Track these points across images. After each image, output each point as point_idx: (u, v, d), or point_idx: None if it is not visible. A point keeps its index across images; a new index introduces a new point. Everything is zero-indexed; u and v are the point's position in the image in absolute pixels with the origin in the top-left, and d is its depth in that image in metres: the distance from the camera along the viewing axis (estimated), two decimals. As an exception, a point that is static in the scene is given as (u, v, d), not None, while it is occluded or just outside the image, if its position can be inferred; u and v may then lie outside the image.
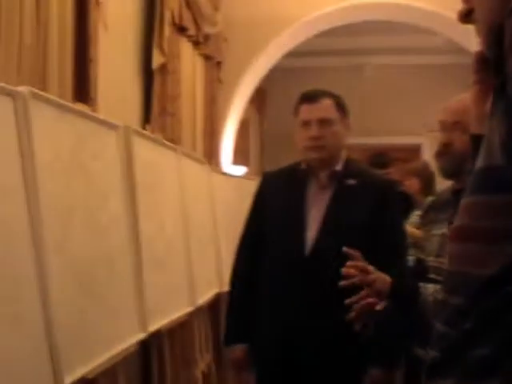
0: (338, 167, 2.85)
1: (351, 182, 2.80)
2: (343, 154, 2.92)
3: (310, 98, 2.84)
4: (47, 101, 2.36)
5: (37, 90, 2.29)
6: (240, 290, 3.12)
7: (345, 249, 2.18)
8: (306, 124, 2.82)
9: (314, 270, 2.75)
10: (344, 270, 2.13)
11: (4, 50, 2.49)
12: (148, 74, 4.56)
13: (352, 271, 2.13)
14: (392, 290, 2.14)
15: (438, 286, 2.09)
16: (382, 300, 2.14)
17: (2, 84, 2.12)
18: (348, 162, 2.90)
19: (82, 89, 3.27)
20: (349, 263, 2.15)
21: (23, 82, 2.58)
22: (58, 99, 2.46)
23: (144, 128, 4.15)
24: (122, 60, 4.16)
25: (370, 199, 2.78)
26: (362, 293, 2.15)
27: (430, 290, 2.13)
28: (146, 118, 4.51)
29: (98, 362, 2.47)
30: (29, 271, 2.13)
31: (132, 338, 2.90)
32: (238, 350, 3.06)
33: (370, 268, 2.16)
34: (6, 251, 2.04)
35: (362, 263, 2.17)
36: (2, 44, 2.47)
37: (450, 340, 1.02)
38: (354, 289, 2.17)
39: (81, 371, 2.35)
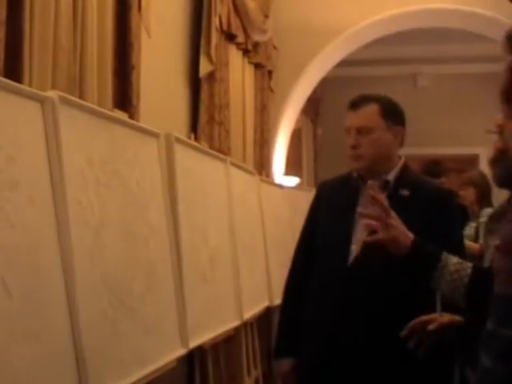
0: (390, 176, 2.66)
1: (404, 192, 2.62)
2: (397, 163, 2.72)
3: (353, 104, 2.69)
4: (78, 106, 2.24)
5: (67, 95, 2.18)
6: (290, 303, 2.96)
7: None
8: (348, 132, 2.68)
9: (355, 285, 2.58)
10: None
11: (38, 52, 2.38)
12: (195, 82, 4.44)
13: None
14: None
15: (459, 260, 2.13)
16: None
17: (30, 88, 2.01)
18: (403, 171, 2.71)
19: (123, 96, 3.16)
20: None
21: (58, 86, 2.47)
22: (89, 105, 2.34)
23: (189, 137, 4.01)
24: (168, 67, 4.04)
25: (424, 210, 2.58)
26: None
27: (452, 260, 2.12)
28: (193, 127, 4.39)
29: (130, 380, 2.33)
30: (56, 283, 2.01)
31: (171, 355, 2.75)
32: (284, 364, 2.90)
33: None
34: (33, 263, 1.92)
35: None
36: (36, 46, 2.36)
37: (500, 378, 0.83)
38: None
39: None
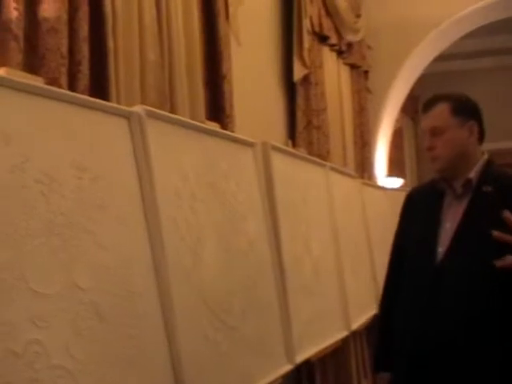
0: (472, 174, 2.47)
1: (487, 188, 2.41)
2: (479, 159, 2.51)
3: (425, 106, 2.56)
4: (166, 120, 2.13)
5: (153, 109, 2.07)
6: (386, 312, 2.78)
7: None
8: (423, 134, 2.54)
9: (441, 287, 2.41)
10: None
11: (124, 68, 2.30)
12: (290, 87, 4.31)
13: None
14: None
15: None
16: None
17: (115, 105, 1.91)
18: (486, 167, 2.50)
19: (216, 106, 3.06)
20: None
21: (148, 101, 2.39)
22: (178, 117, 2.24)
23: (286, 144, 3.88)
24: (261, 74, 3.92)
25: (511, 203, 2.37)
26: None
27: None
28: (291, 133, 4.25)
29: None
30: (152, 306, 1.90)
31: (278, 371, 2.61)
32: (381, 380, 2.72)
33: None
34: (126, 285, 1.81)
35: None
36: (121, 62, 2.28)
37: None
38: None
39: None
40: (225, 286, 2.33)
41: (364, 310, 4.03)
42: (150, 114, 2.04)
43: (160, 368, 1.88)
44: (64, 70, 2.00)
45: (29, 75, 1.65)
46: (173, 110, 2.59)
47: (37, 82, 1.62)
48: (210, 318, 2.19)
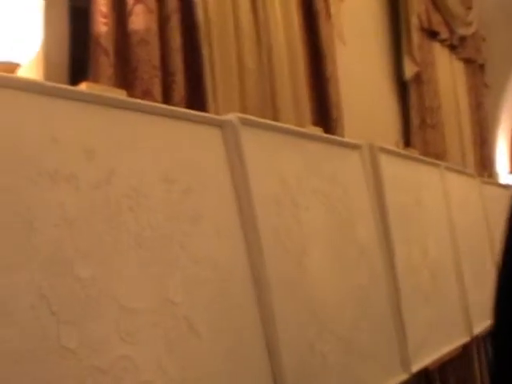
0: None
1: None
2: None
3: None
4: (261, 126, 2.04)
5: (247, 116, 1.98)
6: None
7: None
8: None
9: None
10: None
11: (221, 77, 2.22)
12: (401, 86, 4.13)
13: None
14: None
15: None
16: None
17: (207, 114, 1.84)
18: None
19: (322, 110, 2.94)
20: None
21: (248, 109, 2.31)
22: (274, 123, 2.14)
23: (398, 144, 3.70)
24: (369, 74, 3.77)
25: None
26: None
27: None
28: (405, 134, 4.08)
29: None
30: (251, 320, 1.80)
31: (391, 381, 2.46)
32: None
33: None
34: (223, 300, 1.72)
35: None
36: (218, 71, 2.21)
37: None
38: None
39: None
40: (335, 297, 2.20)
41: (487, 313, 3.77)
42: (245, 122, 1.95)
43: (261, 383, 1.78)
44: (157, 81, 1.95)
45: (112, 88, 1.60)
46: (276, 117, 2.50)
47: (120, 95, 1.56)
48: (319, 329, 2.07)
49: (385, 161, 2.84)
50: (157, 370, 1.46)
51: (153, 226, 1.56)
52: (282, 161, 2.11)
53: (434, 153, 4.27)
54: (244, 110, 2.28)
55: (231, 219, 1.82)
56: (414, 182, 3.18)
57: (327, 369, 2.08)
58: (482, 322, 3.61)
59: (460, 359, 3.45)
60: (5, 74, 1.39)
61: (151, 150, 1.61)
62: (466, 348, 3.38)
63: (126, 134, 1.56)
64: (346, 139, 2.57)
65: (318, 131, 2.41)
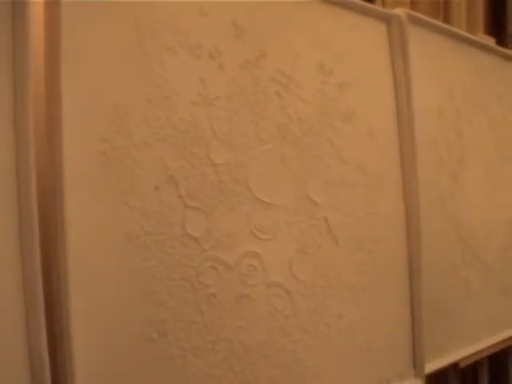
0: None
1: None
2: None
3: None
4: (431, 27, 1.73)
5: (416, 13, 1.68)
6: None
7: None
8: None
9: None
10: None
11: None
12: None
13: None
14: None
15: None
16: None
17: (372, 6, 1.56)
18: None
19: (497, 23, 2.55)
20: None
21: (417, 8, 2.00)
22: (446, 26, 1.81)
23: None
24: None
25: None
26: None
27: None
28: None
29: (478, 346, 1.83)
30: (397, 228, 1.56)
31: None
32: None
33: None
34: (366, 203, 1.49)
35: None
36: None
37: None
38: None
39: (455, 356, 1.73)
40: (485, 219, 1.91)
41: None
42: (413, 20, 1.66)
43: (395, 300, 1.55)
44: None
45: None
46: (446, 22, 2.17)
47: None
48: (465, 253, 1.80)
49: None
50: (286, 272, 1.27)
51: (302, 118, 1.33)
52: (449, 69, 1.80)
53: None
54: (413, 7, 1.97)
55: (387, 122, 1.57)
56: None
57: (470, 296, 1.82)
58: None
59: None
60: None
61: (308, 35, 1.38)
62: None
63: (281, 14, 1.32)
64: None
65: (490, 41, 2.06)
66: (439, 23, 1.77)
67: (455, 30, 1.82)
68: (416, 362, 1.58)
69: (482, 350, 1.84)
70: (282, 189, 1.28)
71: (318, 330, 1.32)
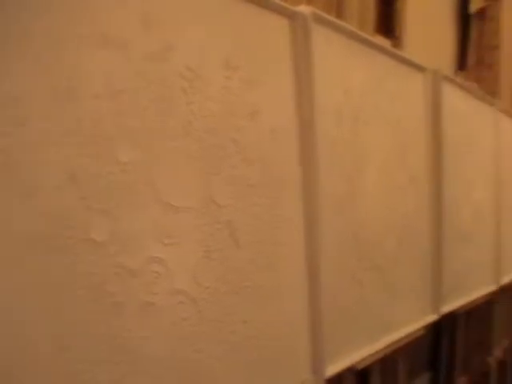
0: None
1: None
2: None
3: None
4: (335, 27, 1.77)
5: (322, 13, 1.71)
6: None
7: None
8: None
9: None
10: None
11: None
12: (463, 19, 3.80)
13: None
14: None
15: None
16: None
17: (277, 1, 1.56)
18: None
19: (386, 24, 2.65)
20: None
21: (314, 3, 2.03)
22: (349, 27, 1.85)
23: (456, 76, 3.41)
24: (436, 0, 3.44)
25: None
26: None
27: None
28: (460, 67, 3.77)
29: (373, 348, 1.90)
30: (296, 231, 1.58)
31: (420, 321, 2.27)
32: None
33: None
34: (270, 205, 1.49)
35: None
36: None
37: None
38: None
39: (353, 358, 1.79)
40: (379, 221, 1.98)
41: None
42: (317, 19, 1.68)
43: (296, 303, 1.58)
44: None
45: None
46: (339, 19, 2.23)
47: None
48: (360, 255, 1.86)
49: (447, 90, 2.57)
50: (191, 279, 1.25)
51: (206, 116, 1.32)
52: (348, 68, 1.85)
53: (487, 93, 3.97)
54: (310, 3, 2.00)
55: (289, 121, 1.58)
56: (470, 118, 2.91)
57: (363, 298, 1.88)
58: (510, 273, 3.42)
59: (483, 306, 3.25)
60: None
61: (214, 29, 1.36)
62: (492, 296, 3.17)
63: (188, 6, 1.30)
64: (413, 59, 2.28)
65: (386, 44, 2.13)
66: (342, 23, 1.81)
67: (356, 30, 1.86)
68: (316, 367, 1.60)
69: (377, 352, 1.91)
70: (187, 190, 1.26)
71: (223, 338, 1.32)
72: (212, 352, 1.29)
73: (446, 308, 2.49)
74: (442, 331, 2.91)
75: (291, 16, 1.60)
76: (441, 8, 3.60)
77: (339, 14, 2.28)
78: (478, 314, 3.29)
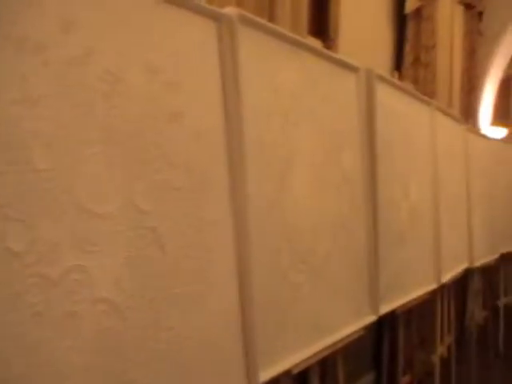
0: None
1: None
2: None
3: None
4: (262, 28, 1.78)
5: (248, 14, 1.72)
6: None
7: None
8: None
9: None
10: None
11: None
12: (400, 19, 3.87)
13: None
14: None
15: None
16: None
17: (202, 3, 1.57)
18: None
19: (320, 25, 2.68)
20: None
21: (245, 5, 2.06)
22: (276, 28, 1.87)
23: (392, 76, 3.47)
24: (371, 1, 3.49)
25: None
26: None
27: None
28: (397, 67, 3.84)
29: (310, 351, 1.92)
30: (224, 235, 1.58)
31: (359, 322, 2.30)
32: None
33: None
34: (194, 212, 1.49)
35: None
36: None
37: None
38: None
39: (288, 362, 1.80)
40: (312, 222, 2.00)
41: (456, 263, 3.65)
42: (244, 20, 1.69)
43: (227, 308, 1.57)
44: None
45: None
46: (271, 21, 2.25)
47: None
48: (293, 257, 1.87)
49: (380, 89, 2.61)
50: (113, 286, 1.24)
51: (128, 120, 1.31)
52: (278, 70, 1.86)
53: (424, 92, 4.04)
54: (241, 6, 2.02)
55: (215, 124, 1.58)
56: (405, 118, 2.96)
57: (299, 301, 1.89)
58: (450, 272, 3.49)
59: (425, 305, 3.31)
60: None
61: (135, 32, 1.35)
62: (431, 294, 3.24)
63: (109, 9, 1.29)
64: (345, 59, 2.31)
65: (318, 45, 2.16)
66: (270, 24, 1.82)
67: (286, 32, 1.88)
68: (250, 373, 1.61)
69: (313, 355, 1.92)
70: (108, 196, 1.25)
71: (149, 346, 1.31)
72: (137, 360, 1.28)
73: (385, 308, 2.53)
74: (384, 331, 2.95)
75: (217, 18, 1.61)
76: (377, 9, 3.66)
77: (271, 17, 2.30)
78: (420, 313, 3.35)
